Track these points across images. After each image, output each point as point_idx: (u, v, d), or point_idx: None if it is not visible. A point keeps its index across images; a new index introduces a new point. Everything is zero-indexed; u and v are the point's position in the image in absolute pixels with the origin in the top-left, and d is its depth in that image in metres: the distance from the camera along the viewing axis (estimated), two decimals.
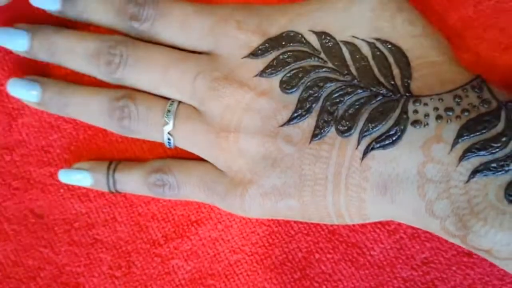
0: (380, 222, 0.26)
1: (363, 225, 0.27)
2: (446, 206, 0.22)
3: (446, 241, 0.26)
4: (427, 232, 0.26)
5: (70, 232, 0.28)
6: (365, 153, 0.23)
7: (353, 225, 0.27)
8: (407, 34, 0.24)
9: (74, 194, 0.28)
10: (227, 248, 0.27)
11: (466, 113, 0.22)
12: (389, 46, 0.24)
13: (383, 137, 0.23)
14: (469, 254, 0.26)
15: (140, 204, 0.28)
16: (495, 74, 0.23)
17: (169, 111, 0.26)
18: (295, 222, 0.27)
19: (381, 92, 0.23)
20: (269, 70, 0.25)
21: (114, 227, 0.28)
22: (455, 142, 0.22)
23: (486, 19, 0.27)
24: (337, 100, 0.24)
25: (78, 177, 0.27)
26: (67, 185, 0.28)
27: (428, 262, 0.26)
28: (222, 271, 0.27)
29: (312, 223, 0.27)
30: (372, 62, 0.24)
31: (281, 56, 0.25)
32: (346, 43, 0.24)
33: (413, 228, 0.26)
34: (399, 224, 0.26)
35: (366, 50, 0.24)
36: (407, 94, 0.23)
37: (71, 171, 0.27)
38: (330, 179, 0.23)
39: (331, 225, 0.27)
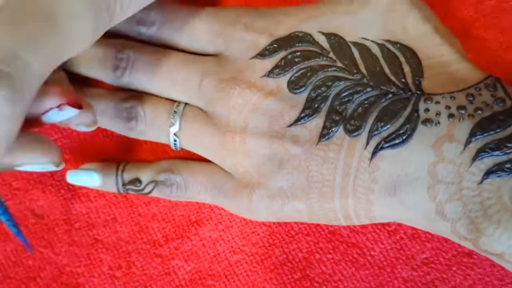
0: (380, 223, 0.26)
1: (363, 226, 0.26)
2: (457, 208, 0.21)
3: (447, 242, 0.26)
4: (427, 232, 0.26)
5: (70, 232, 0.28)
6: (374, 153, 0.22)
7: (354, 226, 0.27)
8: (418, 34, 0.24)
9: (75, 195, 0.28)
10: (227, 248, 0.27)
11: (479, 112, 0.21)
12: (400, 46, 0.23)
13: (393, 136, 0.22)
14: (469, 255, 0.26)
15: (141, 205, 0.28)
16: (496, 74, 0.23)
17: (175, 112, 0.26)
18: (295, 222, 0.27)
19: (391, 90, 0.23)
20: (277, 70, 0.24)
21: (114, 227, 0.28)
22: (468, 141, 0.21)
23: (487, 19, 0.27)
24: (346, 99, 0.23)
25: (86, 178, 0.27)
26: (67, 186, 0.28)
27: (429, 262, 0.26)
28: (222, 272, 0.27)
29: (312, 223, 0.27)
30: (382, 61, 0.23)
31: (289, 56, 0.24)
32: (356, 43, 0.24)
33: (413, 228, 0.26)
34: (400, 224, 0.26)
35: (376, 50, 0.24)
36: (418, 92, 0.22)
37: (80, 172, 0.27)
38: (338, 181, 0.23)
39: (332, 226, 0.27)
